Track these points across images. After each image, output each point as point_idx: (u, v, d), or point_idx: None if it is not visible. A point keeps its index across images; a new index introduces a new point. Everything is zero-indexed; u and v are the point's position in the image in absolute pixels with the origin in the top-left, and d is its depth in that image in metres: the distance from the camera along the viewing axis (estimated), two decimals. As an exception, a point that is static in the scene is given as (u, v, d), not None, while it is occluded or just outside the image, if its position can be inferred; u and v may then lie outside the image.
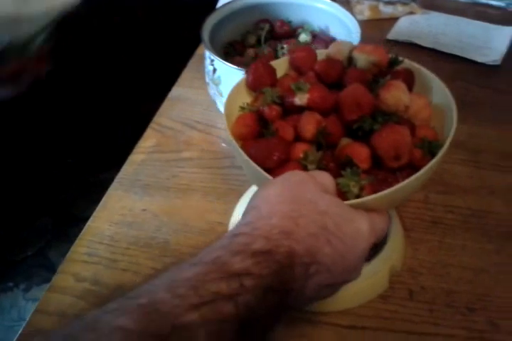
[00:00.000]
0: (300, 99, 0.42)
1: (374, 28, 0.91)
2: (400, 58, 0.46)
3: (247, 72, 0.47)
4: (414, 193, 0.42)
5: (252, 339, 0.28)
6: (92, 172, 1.14)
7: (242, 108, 0.46)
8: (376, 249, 0.49)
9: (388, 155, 0.38)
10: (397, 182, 0.36)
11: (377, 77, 0.44)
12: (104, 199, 0.60)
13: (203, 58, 0.78)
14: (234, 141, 0.41)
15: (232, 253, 0.30)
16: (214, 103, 0.70)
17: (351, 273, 0.35)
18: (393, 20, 0.92)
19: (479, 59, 0.80)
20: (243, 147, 0.41)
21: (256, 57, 0.68)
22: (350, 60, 0.47)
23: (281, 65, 0.49)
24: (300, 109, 0.43)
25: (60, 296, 0.51)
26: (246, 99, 0.47)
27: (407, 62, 0.46)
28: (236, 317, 0.27)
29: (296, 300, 0.32)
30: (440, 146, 0.39)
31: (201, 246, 0.54)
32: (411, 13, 0.92)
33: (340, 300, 0.48)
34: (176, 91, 0.76)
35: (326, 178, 0.37)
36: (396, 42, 0.86)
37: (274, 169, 0.40)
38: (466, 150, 0.64)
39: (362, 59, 0.45)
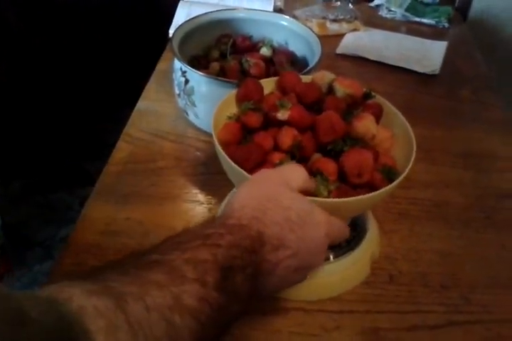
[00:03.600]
0: (282, 115, 0.49)
1: (323, 44, 0.98)
2: (373, 93, 0.53)
3: (238, 87, 0.52)
4: (368, 208, 0.49)
5: (232, 285, 0.33)
6: (42, 193, 1.12)
7: (229, 117, 0.51)
8: (358, 240, 0.54)
9: (352, 172, 0.46)
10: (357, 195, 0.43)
11: (351, 106, 0.52)
12: (84, 210, 0.61)
13: (166, 72, 0.82)
14: (219, 146, 0.46)
15: (208, 232, 0.35)
16: (183, 114, 0.73)
17: (315, 257, 0.40)
18: (339, 36, 1.01)
19: (420, 69, 0.90)
20: (226, 152, 0.46)
21: (221, 70, 0.73)
22: (330, 88, 0.54)
23: (268, 84, 0.54)
24: (281, 124, 0.49)
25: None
26: (233, 110, 0.52)
27: (378, 97, 0.53)
28: (215, 262, 0.32)
29: (267, 283, 0.36)
30: (398, 174, 0.46)
31: (190, 248, 0.57)
32: (355, 30, 1.01)
33: (328, 288, 0.53)
34: (142, 104, 0.78)
35: (294, 172, 0.43)
36: (344, 56, 0.95)
37: (252, 170, 0.45)
38: (421, 149, 0.71)
39: (341, 90, 0.52)
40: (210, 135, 0.48)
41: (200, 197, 0.63)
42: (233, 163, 0.44)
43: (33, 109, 1.36)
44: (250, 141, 0.48)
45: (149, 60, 0.94)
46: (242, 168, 0.44)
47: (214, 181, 0.65)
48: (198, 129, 0.73)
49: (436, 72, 0.90)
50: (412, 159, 0.47)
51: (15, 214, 1.08)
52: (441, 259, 0.57)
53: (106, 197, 0.63)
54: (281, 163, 0.46)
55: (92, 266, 0.54)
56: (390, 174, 0.47)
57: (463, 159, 0.72)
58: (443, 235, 0.60)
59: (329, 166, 0.46)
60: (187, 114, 0.72)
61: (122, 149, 0.70)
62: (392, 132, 0.52)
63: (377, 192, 0.43)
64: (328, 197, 0.43)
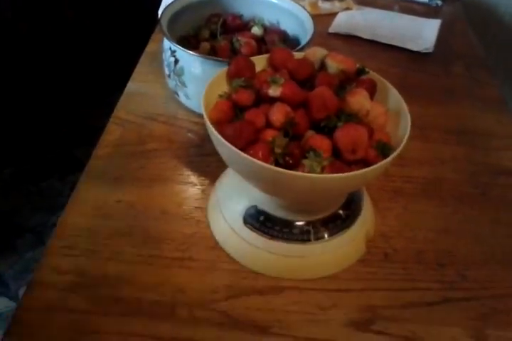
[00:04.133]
0: (274, 91, 0.47)
1: (315, 23, 0.96)
2: (366, 69, 0.51)
3: (229, 64, 0.51)
4: (362, 184, 0.48)
5: None
6: (33, 181, 1.10)
7: (220, 96, 0.50)
8: (353, 218, 0.53)
9: (346, 148, 0.44)
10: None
11: (344, 82, 0.50)
12: (74, 193, 0.60)
13: (155, 54, 0.80)
14: (210, 125, 0.44)
15: None
16: (173, 95, 0.72)
17: None
18: (332, 15, 0.99)
19: (414, 48, 0.89)
20: (218, 130, 0.45)
21: (212, 50, 0.71)
22: (322, 64, 0.52)
23: (259, 61, 0.53)
24: (273, 100, 0.48)
25: (43, 291, 0.50)
26: (224, 89, 0.50)
27: (372, 73, 0.52)
28: None
29: None
30: (392, 149, 0.45)
31: (182, 230, 0.56)
32: (347, 8, 0.99)
33: (324, 267, 0.52)
34: (132, 86, 0.77)
35: None
36: (337, 35, 0.93)
37: (244, 148, 0.44)
38: (415, 127, 0.70)
39: (333, 66, 0.51)
40: (201, 116, 0.46)
41: (193, 178, 0.62)
42: (225, 141, 0.43)
43: (22, 96, 1.34)
44: (242, 118, 0.47)
45: (138, 43, 0.92)
46: (234, 145, 0.43)
47: (207, 162, 0.64)
48: (189, 110, 0.71)
49: (430, 50, 0.89)
50: (407, 134, 0.46)
51: (5, 202, 1.07)
52: (436, 236, 0.57)
53: (96, 180, 0.62)
54: (274, 140, 0.45)
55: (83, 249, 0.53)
56: (384, 150, 0.46)
57: (457, 136, 0.71)
58: (438, 212, 0.59)
59: (323, 143, 0.45)
60: (177, 95, 0.70)
61: (112, 132, 0.68)
62: (386, 108, 0.51)
63: (372, 167, 0.42)
64: (321, 173, 0.43)
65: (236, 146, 0.43)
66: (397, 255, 0.54)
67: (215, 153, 0.47)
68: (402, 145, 0.45)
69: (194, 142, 0.67)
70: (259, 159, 0.41)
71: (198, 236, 0.56)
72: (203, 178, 0.62)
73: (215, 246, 0.55)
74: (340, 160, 0.45)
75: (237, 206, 0.53)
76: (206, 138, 0.67)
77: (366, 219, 0.55)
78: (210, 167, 0.63)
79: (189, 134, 0.68)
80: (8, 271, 0.99)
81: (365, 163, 0.45)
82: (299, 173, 0.41)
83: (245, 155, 0.41)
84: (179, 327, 0.47)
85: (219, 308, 0.49)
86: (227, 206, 0.55)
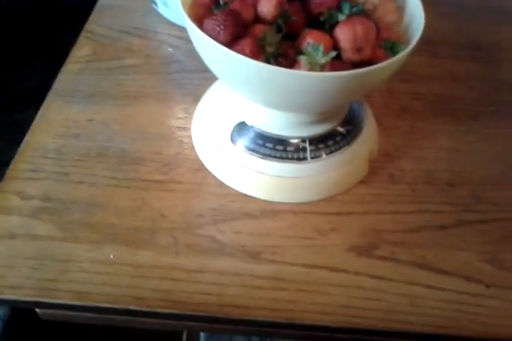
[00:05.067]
0: None
1: None
2: None
3: None
4: (367, 90, 0.40)
5: None
6: (8, 113, 1.01)
7: None
8: (355, 134, 0.46)
9: (350, 45, 0.36)
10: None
11: None
12: (41, 112, 0.51)
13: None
14: (188, 18, 0.35)
15: None
16: (152, 6, 0.62)
17: None
18: None
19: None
20: (199, 26, 0.36)
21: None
22: None
23: None
24: None
25: (4, 217, 0.43)
26: None
27: None
28: None
29: None
30: (404, 48, 0.36)
31: (164, 151, 0.48)
32: None
33: (321, 189, 0.45)
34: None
35: None
36: None
37: (230, 43, 0.35)
38: (423, 41, 0.62)
39: None
40: (183, 30, 0.37)
41: (175, 96, 0.54)
42: (206, 36, 0.34)
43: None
44: (225, 9, 0.38)
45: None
46: (216, 40, 0.35)
47: (189, 80, 0.55)
48: (170, 24, 0.61)
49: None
50: (421, 29, 0.38)
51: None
52: (447, 156, 0.49)
53: (65, 97, 0.53)
54: (265, 36, 0.36)
55: (51, 172, 0.46)
56: (394, 49, 0.37)
57: (470, 51, 0.62)
58: (449, 131, 0.52)
59: (322, 39, 0.36)
60: (156, 4, 0.60)
61: (83, 46, 0.58)
62: (396, 4, 0.42)
63: (381, 64, 0.34)
64: (321, 70, 0.35)
65: (219, 41, 0.35)
66: (404, 176, 0.47)
67: (198, 70, 0.40)
68: (414, 42, 0.36)
69: (175, 57, 0.58)
70: (247, 56, 0.33)
71: (181, 157, 0.48)
72: (186, 96, 0.54)
73: (201, 167, 0.47)
74: (342, 62, 0.37)
75: (223, 123, 0.45)
76: (189, 54, 0.58)
77: (369, 137, 0.47)
78: (193, 85, 0.55)
79: (170, 49, 0.59)
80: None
81: (372, 65, 0.37)
82: (296, 71, 0.34)
83: (231, 52, 0.33)
84: (160, 255, 0.41)
85: (205, 233, 0.42)
86: (213, 124, 0.47)
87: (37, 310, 0.42)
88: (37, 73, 1.07)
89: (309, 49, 0.35)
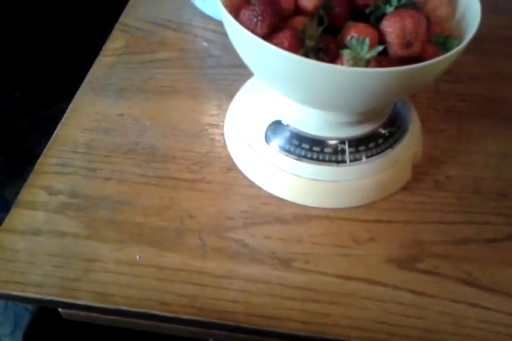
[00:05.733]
0: None
1: None
2: None
3: None
4: (415, 88, 0.36)
5: None
6: (44, 105, 1.01)
7: None
8: (399, 136, 0.42)
9: (398, 39, 0.32)
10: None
11: None
12: (72, 105, 0.49)
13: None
14: (223, 8, 0.32)
15: None
16: (187, 0, 0.59)
17: None
18: None
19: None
20: (235, 17, 0.33)
21: None
22: None
23: None
24: None
25: (30, 212, 0.41)
26: None
27: None
28: None
29: None
30: (458, 43, 0.32)
31: (195, 149, 0.46)
32: None
33: (360, 194, 0.41)
34: (141, -10, 0.64)
35: None
36: None
37: (268, 35, 0.32)
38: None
39: None
40: (218, 23, 0.35)
41: (208, 92, 0.51)
42: (241, 27, 0.31)
43: (34, 17, 1.21)
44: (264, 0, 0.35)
45: None
46: (253, 32, 0.31)
47: (224, 75, 0.53)
48: (206, 17, 0.58)
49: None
50: (477, 23, 0.33)
51: (14, 126, 0.98)
52: (497, 162, 0.45)
53: (97, 90, 0.51)
54: (305, 29, 0.33)
55: (79, 167, 0.44)
56: (446, 45, 0.34)
57: (523, 50, 0.57)
58: (499, 134, 0.47)
59: (369, 32, 0.33)
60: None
61: (117, 39, 0.56)
62: (450, -4, 0.38)
63: (433, 61, 0.30)
64: (366, 66, 0.31)
65: (256, 33, 0.32)
66: (450, 183, 0.43)
67: (233, 65, 0.37)
68: (470, 35, 0.32)
69: (210, 52, 0.55)
70: (285, 49, 0.30)
71: (212, 156, 0.45)
72: (220, 92, 0.51)
73: (232, 167, 0.44)
74: (388, 58, 0.33)
75: (258, 122, 0.42)
76: (224, 48, 0.55)
77: (414, 140, 0.43)
78: (228, 80, 0.52)
79: (205, 43, 0.56)
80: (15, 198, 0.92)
81: (420, 61, 0.33)
82: (339, 67, 0.30)
83: (268, 45, 0.30)
84: (186, 257, 0.38)
85: (235, 237, 0.40)
86: (247, 122, 0.44)
87: (59, 309, 0.40)
88: (73, 65, 1.06)
89: (353, 43, 0.31)
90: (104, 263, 0.38)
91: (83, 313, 0.39)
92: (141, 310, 0.36)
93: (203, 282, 0.37)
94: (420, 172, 0.43)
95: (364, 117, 0.39)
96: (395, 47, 0.33)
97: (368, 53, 0.31)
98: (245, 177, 0.43)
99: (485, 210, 0.41)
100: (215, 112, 0.49)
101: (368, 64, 0.31)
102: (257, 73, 0.37)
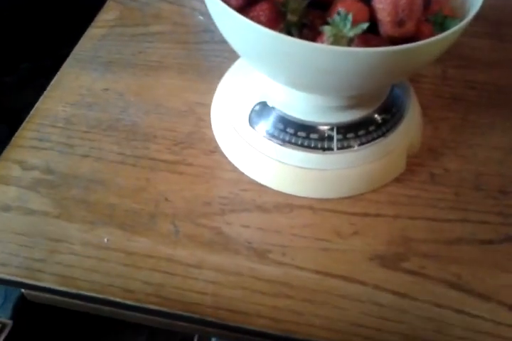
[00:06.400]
0: None
1: None
2: None
3: None
4: (406, 72, 0.31)
5: None
6: (50, 76, 0.99)
7: None
8: (393, 124, 0.38)
9: (390, 17, 0.28)
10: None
11: None
12: (56, 77, 0.46)
13: None
14: None
15: None
16: (188, -29, 0.55)
17: None
18: None
19: None
20: None
21: None
22: None
23: None
24: None
25: (2, 187, 0.39)
26: None
27: None
28: None
29: None
30: (456, 24, 0.28)
31: (178, 128, 0.42)
32: None
33: (347, 184, 0.38)
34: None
35: None
36: None
37: (244, 9, 0.28)
38: (487, 22, 0.52)
39: None
40: None
41: (200, 68, 0.47)
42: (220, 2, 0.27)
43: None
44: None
45: None
46: (228, 4, 0.27)
47: (218, 51, 0.49)
48: (205, -10, 0.55)
49: None
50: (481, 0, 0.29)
51: (19, 98, 0.96)
52: (501, 156, 0.40)
53: (84, 63, 0.47)
54: (287, 2, 0.29)
55: (56, 143, 0.41)
56: (445, 25, 0.30)
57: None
58: (508, 127, 0.42)
59: (356, 8, 0.28)
60: (191, -33, 0.54)
61: (111, 10, 0.53)
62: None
63: (425, 41, 0.25)
64: (349, 45, 0.27)
65: (231, 5, 0.28)
66: (447, 176, 0.39)
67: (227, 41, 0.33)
68: (472, 14, 0.28)
69: (206, 27, 0.51)
70: (262, 24, 0.26)
71: (196, 136, 0.42)
72: (212, 69, 0.47)
73: (216, 150, 0.41)
74: (378, 37, 0.29)
75: (243, 103, 0.39)
76: (222, 23, 0.51)
77: (411, 128, 0.39)
78: (221, 57, 0.48)
79: (201, 17, 0.52)
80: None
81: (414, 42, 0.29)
82: (315, 44, 0.26)
83: (243, 19, 0.26)
84: (157, 243, 0.35)
85: (210, 224, 0.36)
86: (233, 103, 0.40)
87: (22, 290, 0.38)
88: (81, 37, 1.03)
89: (336, 18, 0.27)
90: (70, 244, 0.35)
91: (47, 296, 0.37)
92: (103, 296, 0.33)
93: (171, 270, 0.34)
94: (416, 164, 0.40)
95: (355, 102, 0.35)
96: (386, 26, 0.28)
97: (350, 31, 0.27)
98: (228, 162, 0.40)
99: (483, 208, 0.37)
100: (204, 90, 0.45)
101: (351, 43, 0.27)
102: (237, 50, 0.33)
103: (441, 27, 0.30)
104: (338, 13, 0.27)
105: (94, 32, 0.50)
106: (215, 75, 0.46)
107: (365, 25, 0.26)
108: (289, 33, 0.29)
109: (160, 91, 0.45)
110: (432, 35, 0.27)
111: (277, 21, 0.29)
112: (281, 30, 0.29)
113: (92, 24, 0.51)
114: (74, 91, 0.45)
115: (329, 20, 0.27)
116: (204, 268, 0.34)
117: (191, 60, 0.48)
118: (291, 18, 0.29)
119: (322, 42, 0.27)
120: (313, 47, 0.25)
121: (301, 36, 0.29)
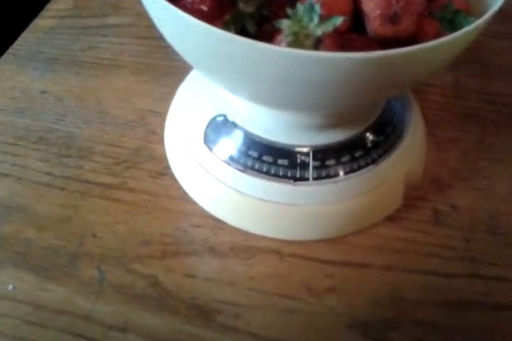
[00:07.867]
0: None
1: None
2: None
3: None
4: (404, 83, 0.22)
5: None
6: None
7: None
8: (388, 148, 0.29)
9: (380, 10, 0.20)
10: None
11: None
12: (-14, 76, 0.39)
13: None
14: None
15: None
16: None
17: None
18: None
19: None
20: None
21: None
22: None
23: None
24: None
25: None
26: None
27: None
28: None
29: None
30: (472, 21, 0.19)
31: (123, 143, 0.34)
32: None
33: (325, 223, 0.29)
34: None
35: None
36: None
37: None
38: (507, 20, 0.43)
39: None
40: None
41: (158, 68, 0.39)
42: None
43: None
44: None
45: None
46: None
47: (185, 49, 0.41)
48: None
49: None
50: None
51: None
52: (527, 192, 0.32)
53: (22, 60, 0.39)
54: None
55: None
56: (456, 23, 0.21)
57: None
58: (534, 153, 0.34)
59: (337, 1, 0.20)
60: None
61: (64, -2, 0.45)
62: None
63: (426, 45, 0.17)
64: (315, 48, 0.18)
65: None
66: (455, 215, 0.30)
67: None
68: (493, 10, 0.19)
69: (174, 19, 0.43)
70: (199, 14, 0.18)
71: (144, 154, 0.33)
72: (173, 71, 0.39)
73: (165, 171, 0.32)
74: (363, 36, 0.21)
75: (197, 117, 0.30)
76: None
77: (411, 152, 0.30)
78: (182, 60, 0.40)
79: (169, 8, 0.44)
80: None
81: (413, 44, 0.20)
82: (263, 45, 0.17)
83: (172, 8, 0.18)
84: (75, 294, 0.27)
85: (145, 270, 0.28)
86: (187, 117, 0.32)
87: None
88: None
89: (299, 10, 0.19)
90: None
91: None
92: (-7, 369, 0.25)
93: (87, 333, 0.26)
94: (416, 198, 0.31)
95: (336, 120, 0.26)
96: (374, 22, 0.20)
97: (318, 27, 0.18)
98: (179, 187, 0.31)
99: (499, 260, 0.28)
100: (160, 96, 0.37)
101: (318, 44, 0.18)
102: (176, 49, 0.25)
103: (451, 25, 0.21)
104: (304, 4, 0.18)
105: (40, 23, 0.42)
106: (176, 78, 0.37)
107: (337, 20, 0.17)
108: (244, 29, 0.21)
109: (107, 95, 0.37)
110: (439, 35, 0.18)
111: (223, 12, 0.20)
112: (226, 24, 0.20)
113: (40, 14, 0.43)
114: (5, 93, 0.37)
115: (289, 12, 0.18)
116: (130, 332, 0.26)
117: (149, 59, 0.39)
118: (245, 8, 0.21)
119: (278, 42, 0.18)
120: (260, 50, 0.16)
121: (262, 33, 0.21)
